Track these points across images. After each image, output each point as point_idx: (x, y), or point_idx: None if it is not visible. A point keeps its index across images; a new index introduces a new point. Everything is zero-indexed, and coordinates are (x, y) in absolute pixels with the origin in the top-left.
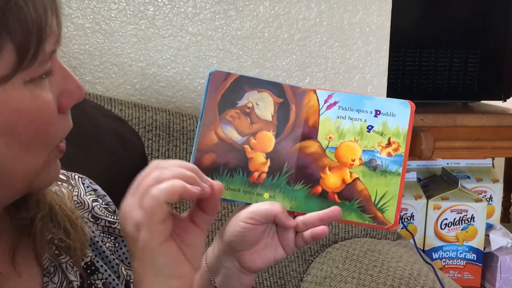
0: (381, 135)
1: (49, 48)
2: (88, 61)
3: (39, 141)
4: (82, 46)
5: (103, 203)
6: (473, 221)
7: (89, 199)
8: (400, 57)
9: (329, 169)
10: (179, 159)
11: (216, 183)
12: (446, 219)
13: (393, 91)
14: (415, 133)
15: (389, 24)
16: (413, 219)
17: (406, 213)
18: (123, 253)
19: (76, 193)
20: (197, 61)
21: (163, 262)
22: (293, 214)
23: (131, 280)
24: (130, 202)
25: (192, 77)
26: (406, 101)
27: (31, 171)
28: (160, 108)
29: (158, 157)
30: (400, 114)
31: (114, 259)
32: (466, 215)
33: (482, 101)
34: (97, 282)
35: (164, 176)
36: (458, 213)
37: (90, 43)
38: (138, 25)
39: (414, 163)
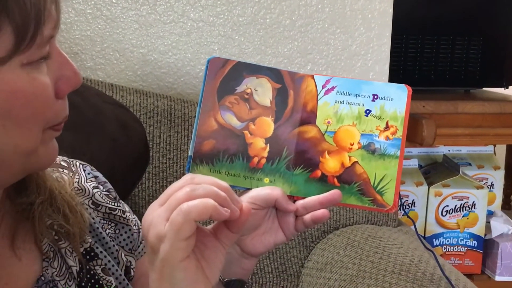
0: (379, 119)
1: (48, 32)
2: (90, 47)
3: (36, 123)
4: (84, 32)
5: (104, 190)
6: (474, 208)
7: (89, 185)
8: (402, 43)
9: (328, 153)
10: (180, 145)
11: (245, 206)
12: (447, 206)
13: (395, 77)
14: (417, 120)
15: (391, 10)
16: (414, 206)
17: (407, 200)
18: (123, 240)
19: (77, 180)
20: (198, 47)
21: (181, 278)
22: (293, 198)
23: (132, 266)
24: (158, 212)
25: (193, 64)
26: (403, 85)
27: (28, 152)
28: (162, 94)
29: (159, 144)
30: (397, 98)
31: (114, 246)
32: (467, 202)
33: (484, 88)
34: (96, 268)
35: (197, 194)
36: (459, 200)
37: (91, 29)
38: (140, 11)
39: (416, 150)
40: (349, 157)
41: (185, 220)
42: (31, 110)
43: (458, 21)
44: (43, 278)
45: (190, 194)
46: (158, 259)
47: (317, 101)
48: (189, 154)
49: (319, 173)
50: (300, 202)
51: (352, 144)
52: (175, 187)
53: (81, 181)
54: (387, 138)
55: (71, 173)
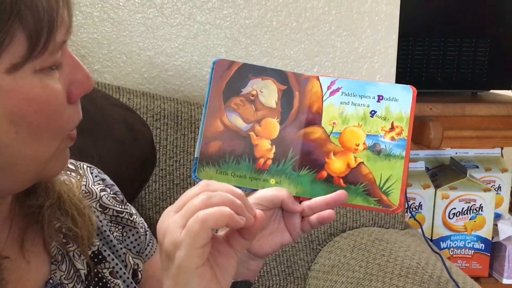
0: (384, 119)
1: (60, 38)
2: (97, 50)
3: (49, 129)
4: (91, 35)
5: (111, 193)
6: (481, 210)
7: (97, 188)
8: (409, 46)
9: (334, 154)
10: (187, 148)
11: (259, 213)
12: (454, 208)
13: (402, 80)
14: (424, 123)
15: (398, 12)
16: (421, 209)
17: (414, 203)
18: (131, 242)
19: (84, 183)
20: (205, 50)
21: (197, 285)
22: (299, 199)
23: (139, 269)
24: (173, 219)
25: (200, 66)
26: (408, 85)
27: (41, 159)
28: (168, 97)
29: (166, 146)
30: (402, 99)
31: (121, 248)
32: (475, 204)
33: (491, 91)
34: (104, 271)
35: (213, 201)
36: (466, 202)
37: (98, 32)
38: (146, 13)
39: (423, 153)
40: (355, 158)
41: (201, 227)
42: (44, 116)
43: (465, 23)
44: (51, 281)
45: (206, 201)
46: (173, 266)
47: (322, 102)
48: (195, 156)
49: (324, 174)
50: (306, 203)
51: (357, 145)
52: (190, 194)
53: (89, 184)
54: (393, 138)
55: (78, 176)
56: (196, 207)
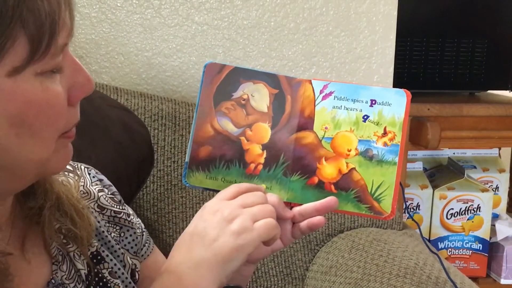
0: (377, 124)
1: (62, 41)
2: (94, 50)
3: (49, 132)
4: (88, 35)
5: (109, 193)
6: (479, 211)
7: (95, 189)
8: (407, 46)
9: (325, 160)
10: (185, 148)
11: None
12: (452, 209)
13: (400, 80)
14: (422, 123)
15: (395, 13)
16: (419, 209)
17: (412, 203)
18: (128, 243)
19: (82, 183)
20: (203, 50)
21: (234, 267)
22: (290, 205)
23: (137, 269)
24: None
25: (198, 67)
26: (402, 90)
27: (43, 160)
28: (166, 97)
29: (164, 147)
30: (396, 103)
31: (119, 249)
32: (472, 205)
33: (489, 91)
34: (104, 271)
35: (261, 215)
36: (464, 203)
37: (96, 33)
38: (144, 14)
39: (420, 153)
40: (347, 163)
41: (270, 230)
42: (44, 119)
43: (462, 24)
44: (53, 281)
45: (255, 216)
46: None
47: (314, 106)
48: (185, 161)
49: (316, 179)
50: (297, 209)
51: (349, 150)
52: (232, 206)
53: (86, 184)
54: (385, 144)
55: (76, 177)
56: (247, 221)
